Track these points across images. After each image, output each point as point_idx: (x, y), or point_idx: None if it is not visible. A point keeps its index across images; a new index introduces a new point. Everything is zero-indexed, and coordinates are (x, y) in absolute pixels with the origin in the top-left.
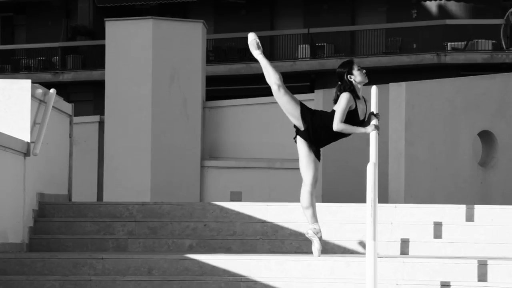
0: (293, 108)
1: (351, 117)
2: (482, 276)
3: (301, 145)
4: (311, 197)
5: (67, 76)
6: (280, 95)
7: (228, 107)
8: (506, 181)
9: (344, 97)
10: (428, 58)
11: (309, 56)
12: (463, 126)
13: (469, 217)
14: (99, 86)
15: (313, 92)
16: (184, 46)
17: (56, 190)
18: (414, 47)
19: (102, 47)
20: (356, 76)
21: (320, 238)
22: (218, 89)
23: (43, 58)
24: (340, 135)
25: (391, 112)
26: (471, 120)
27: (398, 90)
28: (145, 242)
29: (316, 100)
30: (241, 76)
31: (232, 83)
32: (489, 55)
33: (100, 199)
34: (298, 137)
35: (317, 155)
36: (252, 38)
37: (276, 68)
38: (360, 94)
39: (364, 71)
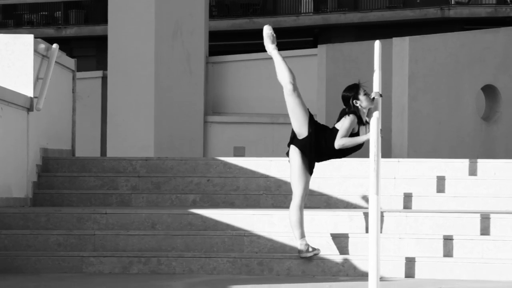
0: (302, 112)
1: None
2: (485, 230)
3: (295, 156)
4: (301, 211)
5: (70, 31)
6: (293, 96)
7: (232, 62)
8: (509, 135)
9: (349, 119)
10: (432, 12)
11: (312, 11)
12: (467, 81)
13: (472, 171)
14: (102, 41)
15: (316, 47)
16: (187, 1)
17: (59, 145)
18: (418, 1)
19: (105, 1)
20: (362, 101)
21: (313, 249)
22: (221, 44)
23: (46, 13)
24: (341, 153)
25: (394, 67)
26: (475, 74)
27: (401, 44)
28: (149, 197)
29: (320, 55)
30: (244, 31)
31: (235, 38)
32: (493, 9)
33: (104, 154)
34: (293, 148)
35: (310, 168)
36: (267, 32)
37: (289, 66)
38: (365, 118)
39: (371, 96)
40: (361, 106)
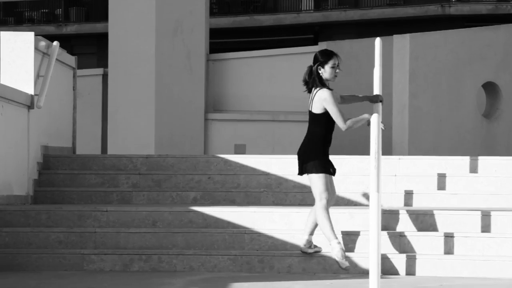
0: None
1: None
2: (486, 227)
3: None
4: (325, 212)
5: (71, 29)
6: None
7: (232, 60)
8: (510, 133)
9: (328, 98)
10: (433, 9)
11: (313, 8)
12: (467, 78)
13: (473, 169)
14: (102, 39)
15: (317, 44)
16: None
17: (60, 142)
18: None
19: None
20: (325, 72)
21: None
22: (222, 41)
23: (46, 10)
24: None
25: (395, 64)
26: (475, 71)
27: (402, 42)
28: (149, 195)
29: None
30: (245, 28)
31: (235, 36)
32: (494, 6)
33: (104, 151)
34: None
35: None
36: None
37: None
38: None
39: (337, 71)
40: (322, 75)
